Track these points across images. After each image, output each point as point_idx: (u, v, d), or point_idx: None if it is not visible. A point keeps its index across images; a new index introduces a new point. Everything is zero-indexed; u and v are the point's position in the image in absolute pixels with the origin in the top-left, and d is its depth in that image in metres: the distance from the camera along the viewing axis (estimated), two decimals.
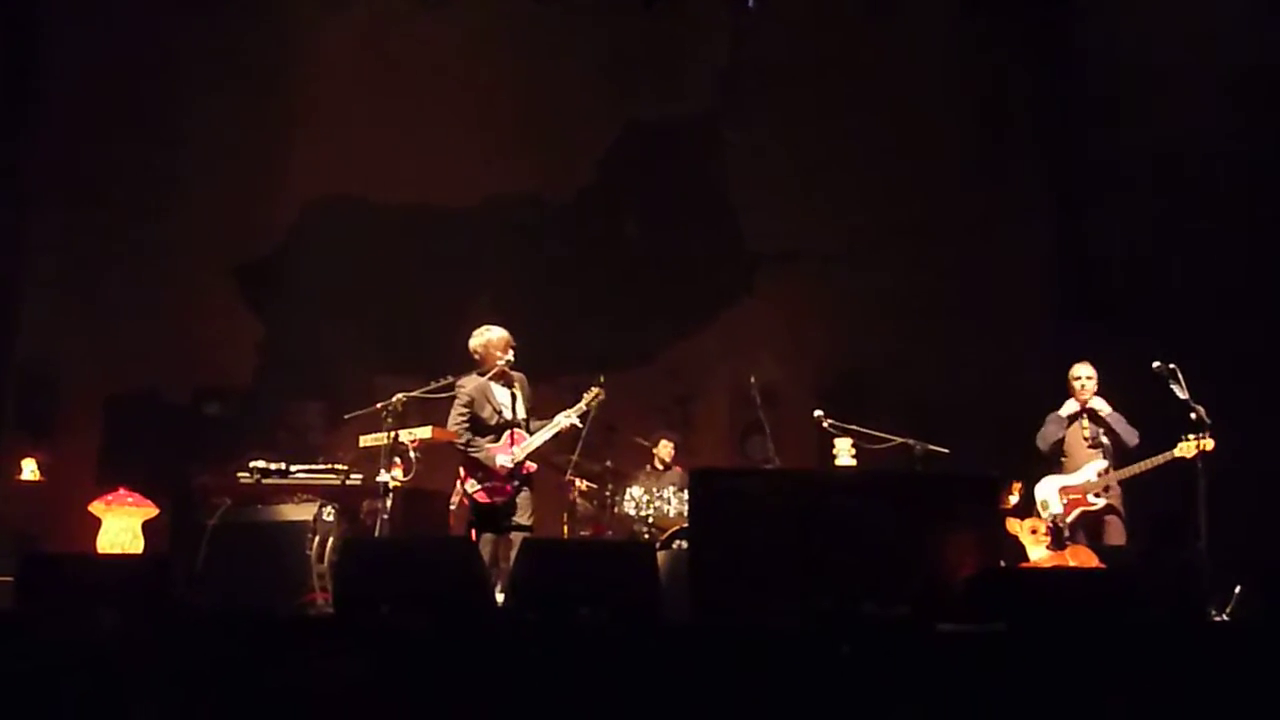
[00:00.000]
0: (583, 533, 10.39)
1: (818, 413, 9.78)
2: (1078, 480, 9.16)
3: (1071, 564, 8.66)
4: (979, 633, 5.80)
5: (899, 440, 9.42)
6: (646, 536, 9.91)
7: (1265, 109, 10.31)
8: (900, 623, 5.96)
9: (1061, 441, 9.34)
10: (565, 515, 10.29)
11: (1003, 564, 7.57)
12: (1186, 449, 8.59)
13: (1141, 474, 8.96)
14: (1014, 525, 9.10)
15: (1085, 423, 9.26)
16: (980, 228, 12.00)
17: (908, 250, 11.95)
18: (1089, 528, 9.10)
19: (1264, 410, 9.62)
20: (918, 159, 12.00)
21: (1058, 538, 8.92)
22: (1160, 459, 8.80)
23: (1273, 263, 10.21)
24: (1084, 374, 9.31)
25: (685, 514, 9.27)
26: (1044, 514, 9.15)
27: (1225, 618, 7.17)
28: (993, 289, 11.91)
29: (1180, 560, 7.67)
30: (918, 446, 9.34)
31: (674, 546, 9.23)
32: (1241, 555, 7.28)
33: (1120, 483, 9.11)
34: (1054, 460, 9.37)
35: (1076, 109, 11.70)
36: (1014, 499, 9.36)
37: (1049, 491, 9.23)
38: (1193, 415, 8.42)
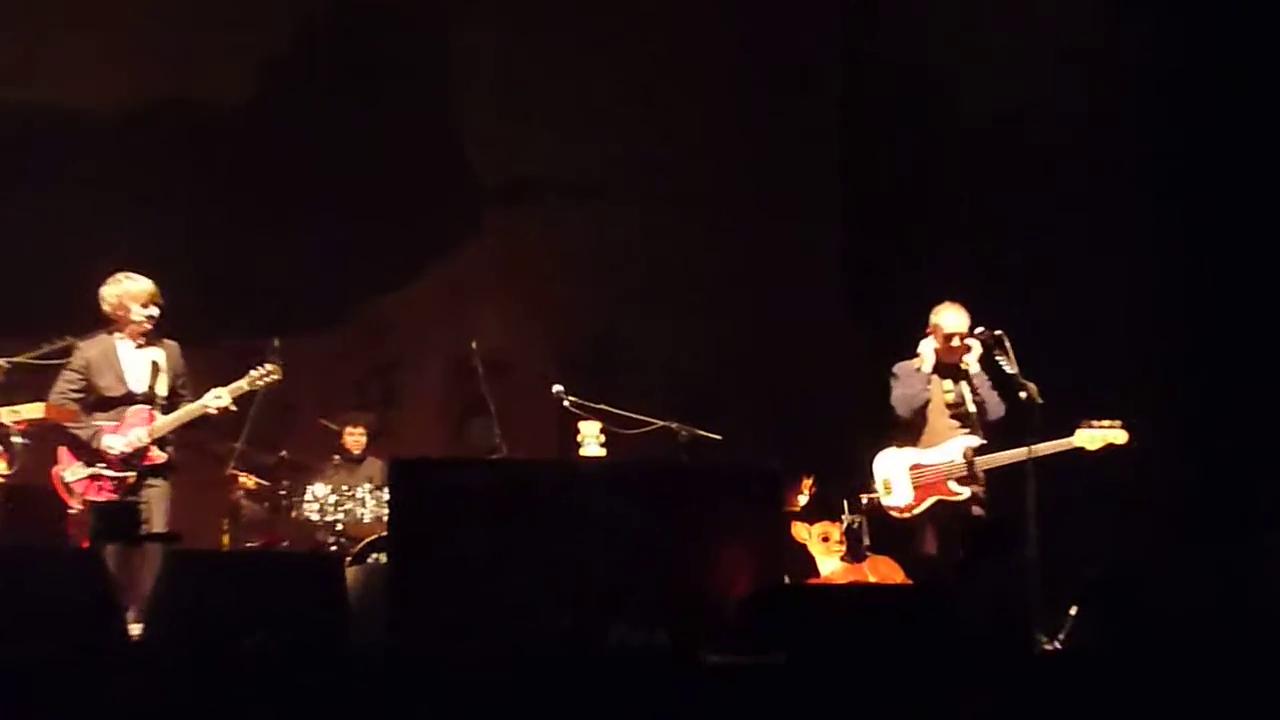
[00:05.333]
0: (250, 543, 10.24)
1: (558, 388, 9.82)
2: (937, 459, 8.96)
3: (871, 579, 8.87)
4: (754, 665, 5.88)
5: (660, 424, 9.54)
6: (334, 547, 9.82)
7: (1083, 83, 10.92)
8: (657, 652, 6.02)
9: (925, 405, 9.09)
10: (227, 520, 10.15)
11: (786, 580, 7.71)
12: (1090, 440, 8.70)
13: (1019, 464, 8.64)
14: (801, 531, 9.28)
15: (947, 384, 9.11)
16: (768, 178, 12.25)
17: (678, 193, 12.08)
18: (944, 523, 8.91)
19: (1093, 398, 9.95)
20: (697, 87, 12.16)
21: (855, 547, 9.12)
22: (1050, 447, 8.71)
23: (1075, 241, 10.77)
24: (956, 325, 8.99)
25: (385, 518, 9.20)
26: (885, 497, 8.97)
27: (1058, 645, 7.41)
28: (778, 243, 12.14)
29: (1004, 574, 7.91)
30: (683, 432, 9.47)
31: (370, 560, 9.16)
32: (1078, 567, 7.52)
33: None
34: (908, 428, 9.15)
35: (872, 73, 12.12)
36: (803, 498, 9.53)
37: (895, 468, 9.00)
38: (1022, 395, 8.62)
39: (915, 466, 8.99)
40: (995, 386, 8.94)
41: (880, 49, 11.95)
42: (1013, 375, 8.64)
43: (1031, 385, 8.65)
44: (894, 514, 8.96)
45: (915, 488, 8.94)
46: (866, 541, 9.16)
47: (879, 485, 9.06)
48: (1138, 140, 10.81)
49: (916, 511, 8.92)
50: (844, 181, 12.33)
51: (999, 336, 8.74)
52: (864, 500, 9.29)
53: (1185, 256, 10.59)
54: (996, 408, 8.98)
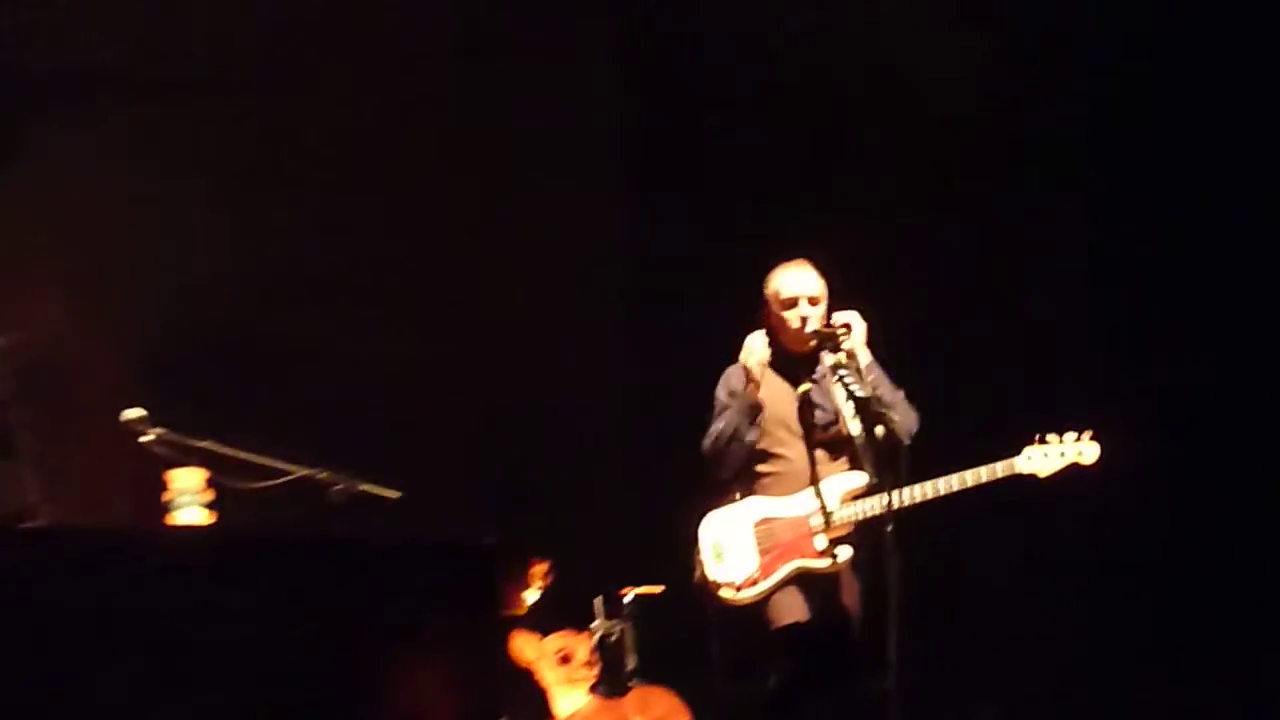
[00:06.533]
0: None
1: (134, 413, 9.84)
2: (798, 509, 9.22)
3: None
4: None
5: (301, 473, 9.60)
6: None
7: None
8: None
9: (750, 428, 9.32)
10: None
11: None
12: (1044, 462, 9.03)
13: (930, 501, 9.09)
14: (530, 647, 9.41)
15: (806, 387, 9.36)
16: (498, 78, 12.44)
17: (336, 92, 12.21)
18: (813, 605, 9.16)
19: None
20: None
21: (613, 672, 9.27)
22: (977, 476, 9.12)
23: None
24: (803, 288, 9.35)
25: None
26: (715, 568, 9.22)
27: None
28: (515, 190, 12.35)
29: (855, 705, 8.16)
30: (339, 485, 9.52)
31: None
32: (967, 706, 7.76)
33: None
34: (738, 467, 9.44)
35: None
36: (532, 595, 9.67)
37: (731, 526, 9.27)
38: (878, 430, 8.72)
39: (763, 522, 9.25)
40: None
41: None
42: (866, 399, 8.81)
43: (894, 415, 8.87)
44: (729, 595, 9.16)
45: (763, 551, 9.18)
46: (633, 663, 9.30)
47: (706, 552, 9.29)
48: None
49: (764, 586, 9.16)
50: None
51: (842, 329, 8.95)
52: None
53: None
54: (907, 417, 9.19)
